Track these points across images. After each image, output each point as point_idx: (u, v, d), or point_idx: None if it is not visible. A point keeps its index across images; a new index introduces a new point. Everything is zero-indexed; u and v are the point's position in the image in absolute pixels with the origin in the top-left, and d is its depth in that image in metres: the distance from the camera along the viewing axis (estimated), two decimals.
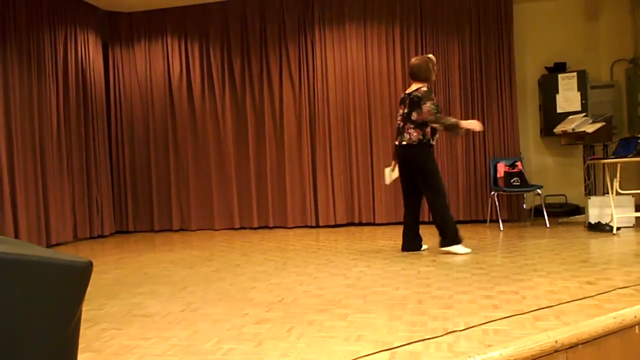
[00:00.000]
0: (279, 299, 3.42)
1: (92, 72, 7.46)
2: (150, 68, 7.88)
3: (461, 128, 4.67)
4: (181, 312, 3.23)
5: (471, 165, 7.04)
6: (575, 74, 6.94)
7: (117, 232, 7.86)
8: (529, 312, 2.82)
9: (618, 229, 5.51)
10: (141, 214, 7.91)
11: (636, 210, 5.77)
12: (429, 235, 5.62)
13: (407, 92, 4.90)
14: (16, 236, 5.92)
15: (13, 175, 6.03)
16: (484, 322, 2.69)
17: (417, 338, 2.50)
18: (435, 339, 2.47)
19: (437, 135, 4.88)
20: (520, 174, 6.50)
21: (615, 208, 5.51)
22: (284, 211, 7.52)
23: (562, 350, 2.34)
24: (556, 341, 2.32)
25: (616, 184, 5.53)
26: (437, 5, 7.13)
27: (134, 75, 7.94)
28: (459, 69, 7.05)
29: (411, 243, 5.03)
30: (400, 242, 5.15)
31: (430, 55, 4.93)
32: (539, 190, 6.44)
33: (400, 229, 6.69)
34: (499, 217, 6.49)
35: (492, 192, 6.60)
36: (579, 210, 6.96)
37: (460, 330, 2.57)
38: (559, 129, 6.32)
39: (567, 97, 6.96)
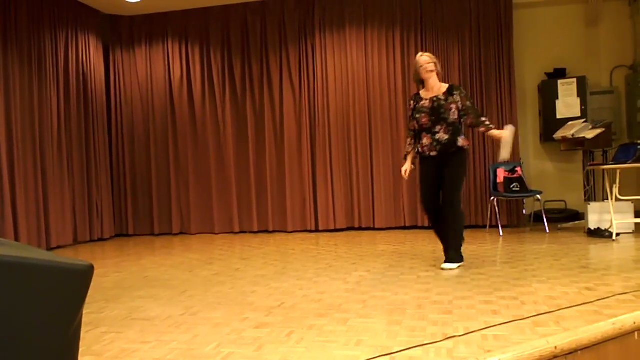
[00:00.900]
0: (279, 303, 3.42)
1: (93, 75, 7.48)
2: (151, 72, 7.89)
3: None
4: (181, 315, 3.23)
5: (471, 170, 7.04)
6: (575, 79, 6.95)
7: (117, 236, 7.86)
8: (529, 317, 2.83)
9: (618, 235, 5.51)
10: (141, 217, 7.91)
11: (636, 217, 5.78)
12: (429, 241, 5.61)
13: None
14: (16, 239, 5.92)
15: (13, 178, 6.04)
16: (484, 327, 2.69)
17: (416, 343, 2.50)
18: (435, 344, 2.48)
19: (421, 143, 4.41)
20: (520, 180, 6.50)
21: (615, 214, 5.51)
22: (283, 215, 7.52)
23: (562, 356, 2.34)
24: (555, 347, 2.33)
25: (616, 190, 5.53)
26: (438, 10, 7.15)
27: (134, 78, 7.95)
28: (459, 73, 7.06)
29: None
30: (401, 247, 5.13)
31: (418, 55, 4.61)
32: (538, 196, 6.45)
33: (400, 234, 6.71)
34: (499, 223, 6.50)
35: (492, 198, 6.61)
36: (579, 216, 6.96)
37: (459, 336, 2.58)
38: (558, 134, 6.33)
39: (567, 103, 6.98)
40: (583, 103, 6.91)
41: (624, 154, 5.58)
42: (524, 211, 6.98)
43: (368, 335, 2.67)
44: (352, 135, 7.30)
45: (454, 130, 4.32)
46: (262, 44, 7.59)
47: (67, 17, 7.02)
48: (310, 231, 7.39)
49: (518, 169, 6.62)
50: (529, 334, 2.55)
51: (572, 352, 2.37)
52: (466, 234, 6.47)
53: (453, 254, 4.33)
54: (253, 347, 2.58)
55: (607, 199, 5.67)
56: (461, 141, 4.34)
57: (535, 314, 2.89)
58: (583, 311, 2.90)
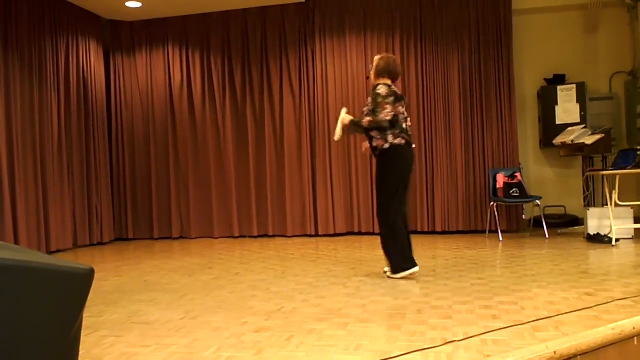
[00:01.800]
0: (279, 307, 3.43)
1: (93, 80, 7.50)
2: (151, 77, 7.91)
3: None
4: (181, 319, 3.23)
5: (470, 175, 7.06)
6: (574, 85, 6.97)
7: (117, 240, 7.87)
8: (528, 322, 2.83)
9: (617, 240, 5.52)
10: (141, 221, 7.92)
11: (635, 222, 5.78)
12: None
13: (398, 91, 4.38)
14: (16, 242, 5.92)
15: (13, 182, 6.04)
16: (483, 332, 2.70)
17: (416, 348, 2.50)
18: (434, 349, 2.48)
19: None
20: (519, 185, 6.51)
21: (614, 219, 5.52)
22: (283, 220, 7.53)
23: None
24: (555, 352, 2.33)
25: (615, 196, 5.54)
26: (437, 16, 7.17)
27: (135, 84, 7.97)
28: (459, 79, 7.08)
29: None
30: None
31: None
32: (538, 201, 6.46)
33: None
34: (498, 228, 6.50)
35: (492, 203, 6.62)
36: (578, 221, 6.96)
37: (459, 341, 2.58)
38: (558, 140, 6.34)
39: (566, 108, 6.99)
40: (582, 109, 6.93)
41: (624, 160, 5.59)
42: (524, 216, 6.98)
43: (368, 340, 2.67)
44: (352, 139, 7.31)
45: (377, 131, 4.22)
46: (262, 49, 7.62)
47: (68, 22, 7.04)
48: (310, 236, 7.40)
49: (517, 174, 6.62)
50: (528, 339, 2.55)
51: (572, 357, 2.38)
52: (466, 239, 6.54)
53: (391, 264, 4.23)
54: (253, 351, 2.58)
55: (607, 205, 5.68)
56: (375, 142, 4.23)
57: (534, 319, 2.89)
58: (583, 316, 2.90)
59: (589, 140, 5.81)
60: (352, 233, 7.36)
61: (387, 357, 2.40)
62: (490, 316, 3.00)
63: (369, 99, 4.33)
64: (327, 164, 7.38)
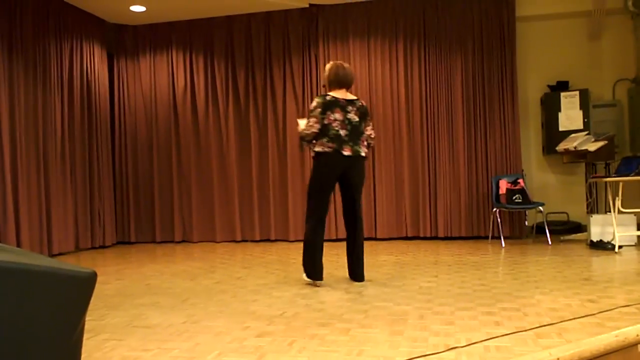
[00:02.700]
0: (281, 312, 3.42)
1: (97, 84, 7.52)
2: (154, 81, 7.93)
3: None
4: (182, 324, 3.23)
5: (473, 181, 7.05)
6: (577, 92, 6.97)
7: (119, 243, 7.87)
8: (531, 329, 2.82)
9: (620, 247, 5.51)
10: (143, 225, 7.93)
11: (638, 229, 5.77)
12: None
13: (349, 98, 4.28)
14: (18, 245, 5.93)
15: (16, 185, 6.05)
16: (486, 338, 2.69)
17: (418, 354, 2.50)
18: (437, 355, 2.47)
19: None
20: (522, 191, 6.50)
21: (617, 226, 5.51)
22: (285, 224, 7.52)
23: None
24: (558, 358, 2.32)
25: (618, 203, 5.53)
26: (441, 22, 7.18)
27: (138, 87, 7.99)
28: (462, 85, 7.09)
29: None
30: (403, 257, 5.11)
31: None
32: (540, 208, 6.44)
33: (401, 244, 6.70)
34: (501, 234, 6.49)
35: (494, 209, 6.61)
36: (581, 228, 6.95)
37: (461, 347, 2.57)
38: (561, 147, 6.34)
39: (570, 115, 6.99)
40: (586, 116, 6.93)
41: (627, 167, 5.58)
42: (526, 223, 6.97)
43: (370, 345, 2.66)
44: None
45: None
46: (266, 54, 7.63)
47: (72, 26, 7.07)
48: None
49: (520, 180, 6.62)
50: (531, 346, 2.54)
51: None
52: (468, 244, 6.53)
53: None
54: (254, 356, 2.58)
55: (610, 212, 5.67)
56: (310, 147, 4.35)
57: (537, 325, 2.88)
58: (586, 323, 2.89)
59: (592, 147, 5.80)
60: None
61: None
62: (493, 322, 2.99)
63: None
64: None
